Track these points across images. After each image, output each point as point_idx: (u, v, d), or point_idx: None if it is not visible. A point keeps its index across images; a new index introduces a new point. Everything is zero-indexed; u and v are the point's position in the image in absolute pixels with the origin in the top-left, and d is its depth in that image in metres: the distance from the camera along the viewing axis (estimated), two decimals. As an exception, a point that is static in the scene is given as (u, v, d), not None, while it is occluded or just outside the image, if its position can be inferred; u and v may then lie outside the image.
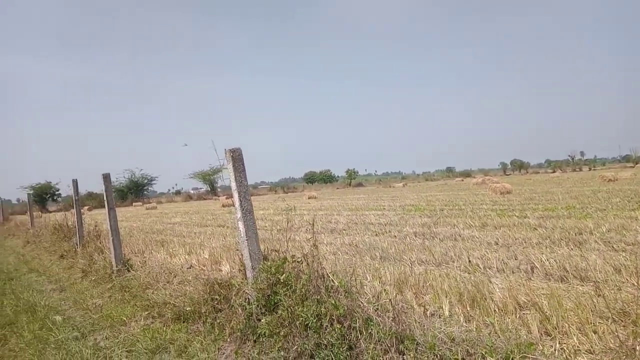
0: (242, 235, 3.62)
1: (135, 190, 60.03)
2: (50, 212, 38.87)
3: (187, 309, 4.14)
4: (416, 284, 4.48)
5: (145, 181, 62.53)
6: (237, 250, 6.93)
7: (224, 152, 3.70)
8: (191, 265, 6.87)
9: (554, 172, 67.98)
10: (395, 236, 9.05)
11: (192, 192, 69.33)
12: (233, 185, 3.62)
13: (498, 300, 3.72)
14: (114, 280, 5.94)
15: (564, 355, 2.78)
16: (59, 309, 5.43)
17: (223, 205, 29.26)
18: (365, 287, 3.72)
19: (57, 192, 55.73)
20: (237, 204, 3.61)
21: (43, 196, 53.50)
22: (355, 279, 3.30)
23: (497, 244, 7.30)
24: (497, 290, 3.97)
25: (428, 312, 3.77)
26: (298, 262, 3.44)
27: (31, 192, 38.36)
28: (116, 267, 6.24)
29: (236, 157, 3.64)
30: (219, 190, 61.56)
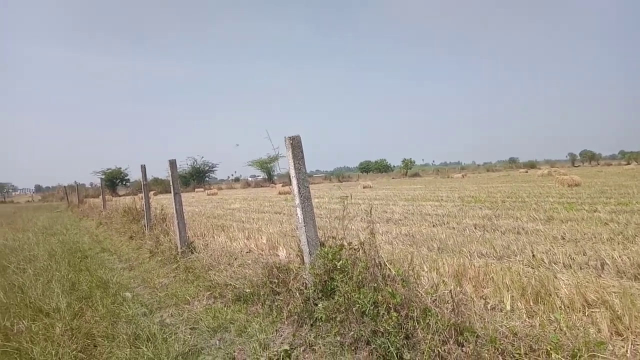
0: (300, 221, 3.69)
1: (197, 177, 62.46)
2: (120, 196, 41.44)
3: (247, 290, 4.28)
4: (476, 277, 4.36)
5: (207, 168, 64.88)
6: (294, 236, 7.06)
7: (283, 140, 3.76)
8: (250, 250, 7.08)
9: (628, 164, 63.06)
10: (453, 228, 8.83)
11: (250, 179, 71.14)
12: (292, 172, 3.68)
13: (564, 297, 3.54)
14: (179, 261, 6.25)
15: (638, 357, 2.61)
16: (129, 286, 5.80)
17: (279, 193, 29.84)
18: (422, 277, 3.67)
19: (126, 178, 59.20)
20: (295, 190, 3.67)
21: (113, 181, 56.99)
22: (413, 269, 3.26)
23: (564, 238, 6.93)
24: (563, 286, 3.77)
25: (488, 306, 3.65)
26: (355, 249, 3.45)
27: (103, 177, 40.99)
28: (181, 248, 6.56)
29: (295, 145, 3.69)
30: (275, 178, 62.77)
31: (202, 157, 64.66)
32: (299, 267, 3.85)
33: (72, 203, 29.40)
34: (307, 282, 3.60)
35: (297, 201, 3.67)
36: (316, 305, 3.41)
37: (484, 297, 3.85)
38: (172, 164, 6.45)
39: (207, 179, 65.77)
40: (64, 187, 43.09)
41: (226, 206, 20.48)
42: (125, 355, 3.35)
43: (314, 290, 3.43)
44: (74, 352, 3.50)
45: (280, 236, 7.97)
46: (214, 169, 66.14)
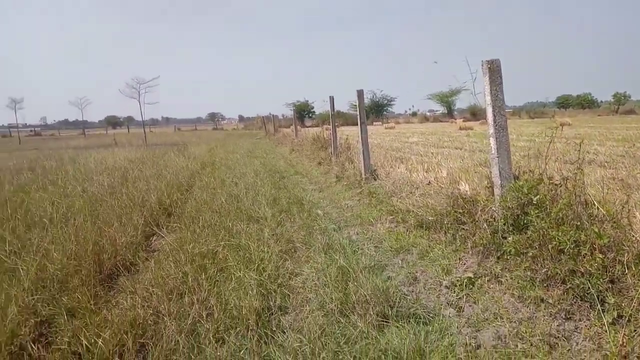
0: (492, 151, 3.52)
1: (376, 110, 63.46)
2: (306, 126, 44.96)
3: (430, 218, 4.36)
4: None
5: (385, 102, 65.28)
6: (476, 172, 6.77)
7: (480, 64, 3.54)
8: (429, 182, 7.09)
9: None
10: (680, 174, 7.30)
11: (428, 113, 69.35)
12: (487, 98, 3.48)
13: None
14: (362, 187, 6.65)
15: None
16: (319, 205, 6.43)
17: (460, 128, 28.49)
18: (636, 223, 3.20)
19: (312, 110, 63.63)
20: (490, 119, 3.48)
21: (302, 113, 61.79)
22: (628, 211, 2.87)
23: None
24: None
25: None
26: (556, 184, 3.17)
27: (293, 109, 44.80)
28: (364, 175, 6.94)
29: (493, 69, 3.44)
30: (455, 112, 59.86)
31: (382, 90, 64.99)
32: (487, 200, 3.72)
33: (269, 132, 33.10)
34: (495, 214, 3.48)
35: (491, 130, 3.48)
36: (505, 238, 3.30)
37: None
38: (360, 94, 6.69)
39: (384, 112, 66.38)
40: (262, 117, 48.63)
41: (404, 140, 20.53)
42: (321, 260, 3.81)
43: (504, 224, 3.31)
44: (279, 253, 4.12)
45: (462, 171, 7.72)
46: (392, 102, 66.22)
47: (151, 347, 2.49)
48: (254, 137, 32.76)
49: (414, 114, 77.91)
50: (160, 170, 9.54)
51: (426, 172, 8.10)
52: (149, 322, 2.78)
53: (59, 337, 2.69)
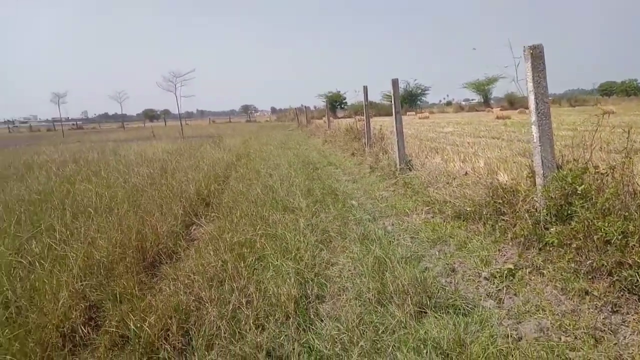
0: (534, 140, 3.42)
1: (409, 100, 62.48)
2: (338, 117, 44.86)
3: (468, 209, 4.29)
4: None
5: (419, 91, 64.20)
6: (515, 162, 6.60)
7: (522, 50, 3.44)
8: (466, 172, 6.96)
9: None
10: None
11: (463, 103, 67.76)
12: (529, 85, 3.38)
13: None
14: (397, 177, 6.59)
15: None
16: (353, 196, 6.43)
17: (497, 117, 27.72)
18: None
19: (344, 101, 63.34)
20: (532, 106, 3.38)
21: (333, 104, 61.54)
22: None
23: None
24: None
25: None
26: (602, 174, 3.05)
27: (325, 100, 44.77)
28: (399, 165, 6.88)
29: (536, 55, 3.33)
30: (492, 101, 58.21)
31: (415, 79, 63.95)
32: (529, 190, 3.63)
33: (301, 123, 33.22)
34: (537, 205, 3.39)
35: (534, 118, 3.38)
36: (547, 229, 3.21)
37: None
38: (395, 82, 6.61)
39: (418, 102, 65.30)
40: (294, 109, 48.83)
41: (438, 129, 20.18)
42: (357, 250, 3.82)
43: (547, 214, 3.22)
44: (315, 242, 4.16)
45: (500, 161, 7.54)
46: (425, 92, 65.04)
47: (194, 332, 2.58)
48: (286, 129, 32.95)
49: (449, 104, 76.36)
50: (197, 162, 9.76)
51: (462, 162, 7.95)
52: (192, 308, 2.87)
53: (107, 321, 2.82)
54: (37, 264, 3.45)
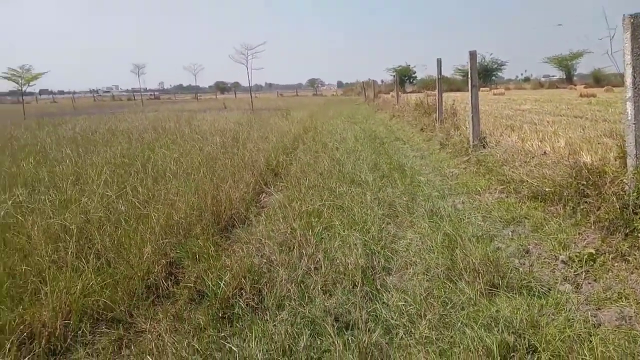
0: (628, 117, 3.14)
1: (484, 75, 59.27)
2: (407, 92, 43.75)
3: (546, 189, 4.07)
4: None
5: (495, 66, 60.64)
6: (600, 143, 6.12)
7: (621, 20, 3.13)
8: (545, 152, 6.57)
9: None
10: None
11: (543, 79, 63.20)
12: (627, 58, 3.09)
13: None
14: (470, 154, 6.36)
15: None
16: (421, 172, 6.31)
17: (581, 95, 25.65)
18: None
19: (413, 75, 61.43)
20: (628, 80, 3.09)
21: (402, 78, 59.85)
22: None
23: None
24: None
25: None
26: None
27: (394, 74, 43.71)
28: (473, 142, 6.62)
29: (637, 24, 3.03)
30: (575, 78, 53.77)
31: (491, 53, 60.41)
32: (617, 171, 3.36)
33: (368, 97, 32.80)
34: (627, 187, 3.14)
35: (629, 94, 3.10)
36: (636, 214, 2.98)
37: None
38: (472, 55, 6.31)
39: (493, 77, 61.79)
40: (361, 83, 48.19)
41: (515, 107, 19.08)
42: (425, 225, 3.77)
43: (637, 198, 2.98)
44: (382, 216, 4.17)
45: (583, 142, 7.03)
46: (502, 67, 61.29)
47: (267, 292, 2.70)
48: (353, 103, 32.72)
49: (527, 80, 71.48)
50: (267, 133, 10.00)
51: (541, 141, 7.50)
52: (264, 270, 3.00)
53: (186, 277, 3.02)
54: (122, 221, 3.74)
